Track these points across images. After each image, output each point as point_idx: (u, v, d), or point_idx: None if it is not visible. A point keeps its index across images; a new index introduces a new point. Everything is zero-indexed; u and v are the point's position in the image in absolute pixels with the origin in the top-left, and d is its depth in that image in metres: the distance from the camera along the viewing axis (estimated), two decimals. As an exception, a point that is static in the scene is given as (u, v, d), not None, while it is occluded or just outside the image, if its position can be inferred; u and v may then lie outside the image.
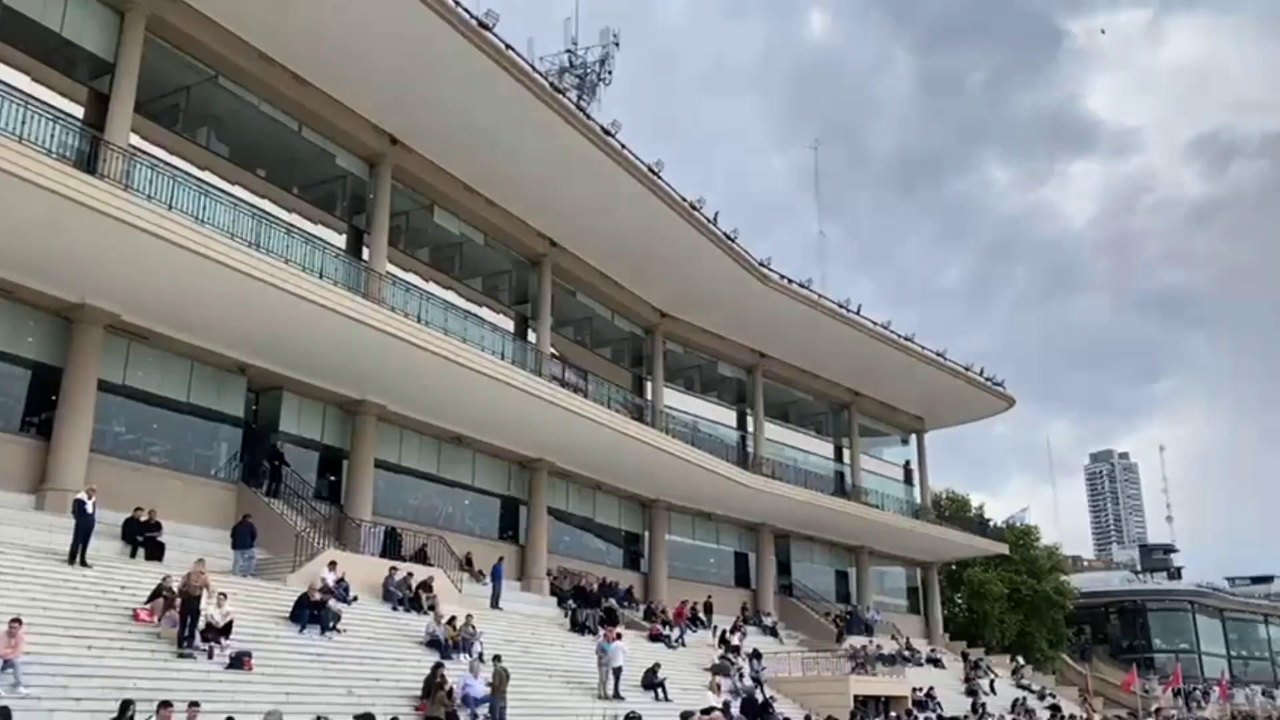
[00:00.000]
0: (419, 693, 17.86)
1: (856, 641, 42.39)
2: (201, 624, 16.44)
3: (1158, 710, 49.43)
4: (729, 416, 48.36)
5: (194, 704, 12.68)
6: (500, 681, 18.23)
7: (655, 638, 32.66)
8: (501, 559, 30.68)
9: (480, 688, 18.40)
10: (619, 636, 25.68)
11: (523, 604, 31.37)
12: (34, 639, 13.65)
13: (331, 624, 19.46)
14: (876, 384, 52.17)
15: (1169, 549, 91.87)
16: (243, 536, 23.15)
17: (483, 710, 18.18)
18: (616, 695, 23.74)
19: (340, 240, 30.28)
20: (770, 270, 41.16)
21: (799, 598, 48.20)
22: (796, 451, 50.53)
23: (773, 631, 43.02)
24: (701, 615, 40.40)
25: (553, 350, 37.55)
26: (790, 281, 42.46)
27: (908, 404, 55.54)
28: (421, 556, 28.44)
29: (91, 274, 21.40)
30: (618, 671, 24.04)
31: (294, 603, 19.26)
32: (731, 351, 46.78)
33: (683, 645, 34.13)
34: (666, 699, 25.07)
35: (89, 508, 17.63)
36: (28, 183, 18.05)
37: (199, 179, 25.50)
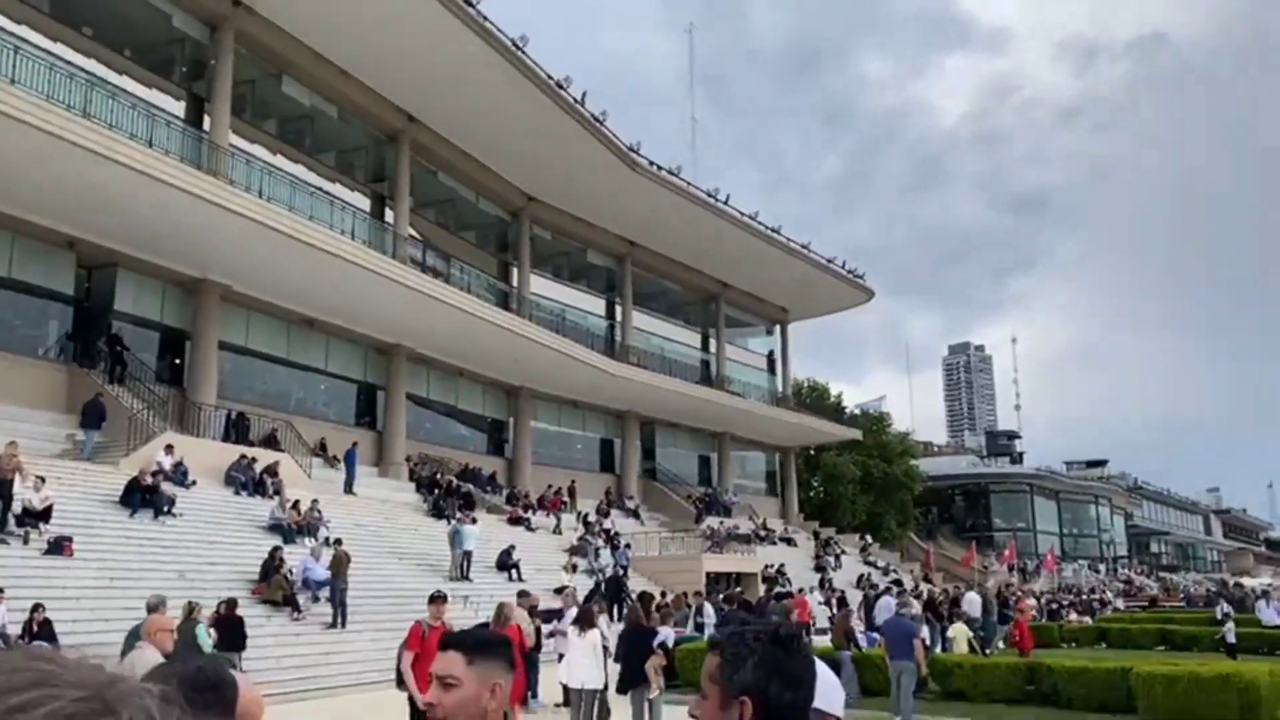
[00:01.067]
0: (256, 576, 17.53)
1: (714, 522, 43.85)
2: (18, 508, 15.64)
3: (1007, 585, 52.80)
4: (598, 305, 48.29)
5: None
6: (339, 565, 18.02)
7: (515, 521, 32.92)
8: (355, 444, 30.17)
9: (321, 571, 18.19)
10: (474, 521, 25.74)
11: (380, 489, 31.08)
12: None
13: (165, 508, 18.80)
14: (744, 275, 52.70)
15: (1013, 435, 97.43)
16: (91, 416, 22.07)
17: (324, 593, 18.02)
18: (465, 577, 23.90)
19: (179, 109, 28.40)
20: (640, 156, 40.65)
21: (662, 482, 49.29)
22: (664, 341, 50.97)
23: (635, 514, 43.96)
24: (565, 499, 40.93)
25: (413, 232, 36.54)
26: (660, 169, 42.09)
27: (773, 295, 56.42)
28: (271, 441, 27.73)
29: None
30: (468, 554, 24.15)
31: (124, 487, 18.49)
32: (601, 239, 46.40)
33: (558, 534, 34.48)
34: (520, 579, 25.36)
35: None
36: None
37: (16, 35, 23.32)
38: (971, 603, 22.97)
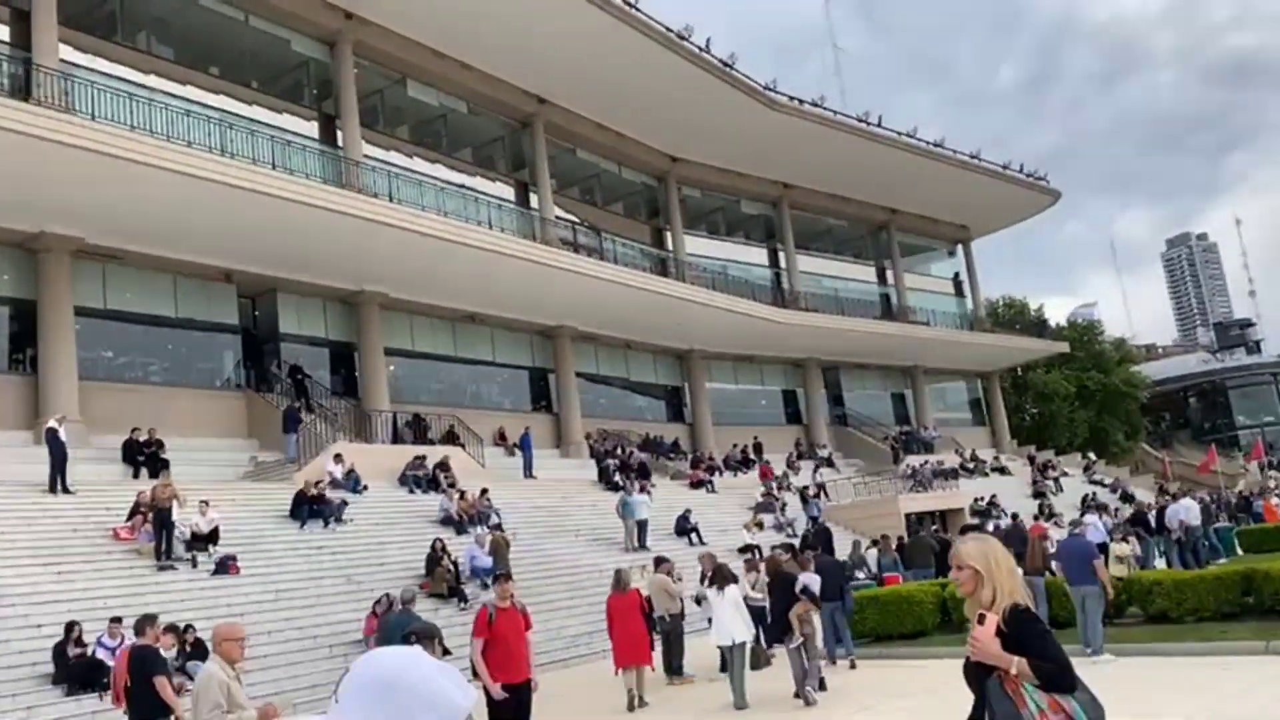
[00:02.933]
0: (424, 571, 17.71)
1: (915, 461, 41.91)
2: (186, 534, 16.34)
3: (1260, 488, 48.00)
4: (760, 255, 47.06)
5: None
6: (498, 550, 18.00)
7: (696, 484, 32.38)
8: (527, 429, 30.38)
9: (485, 558, 18.19)
10: (642, 490, 25.35)
11: (560, 470, 31.29)
12: (3, 570, 13.61)
13: (334, 516, 19.32)
14: (912, 198, 50.03)
15: (1246, 324, 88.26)
16: (290, 423, 23.50)
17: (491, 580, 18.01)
18: (642, 546, 23.51)
19: (313, 129, 29.27)
20: (777, 93, 39.08)
21: (854, 426, 47.57)
22: (835, 280, 49.11)
23: (829, 462, 42.58)
24: (752, 456, 40.12)
25: (560, 213, 36.50)
26: (801, 103, 40.34)
27: (948, 214, 53.31)
28: (451, 438, 28.35)
29: (45, 201, 20.79)
30: (642, 524, 23.76)
31: (293, 499, 19.10)
32: (752, 187, 45.09)
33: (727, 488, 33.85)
34: (701, 543, 24.78)
35: (61, 435, 17.48)
36: None
37: (147, 87, 24.53)
38: (1188, 510, 20.53)
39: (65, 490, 17.16)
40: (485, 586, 18.02)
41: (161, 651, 9.35)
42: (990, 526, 32.96)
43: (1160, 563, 21.88)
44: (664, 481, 33.38)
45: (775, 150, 41.81)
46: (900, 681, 11.57)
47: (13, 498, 16.30)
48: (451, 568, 17.77)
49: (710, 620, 12.26)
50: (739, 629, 11.37)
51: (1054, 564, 12.49)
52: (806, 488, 33.56)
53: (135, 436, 20.77)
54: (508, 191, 35.50)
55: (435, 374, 31.81)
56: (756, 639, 12.28)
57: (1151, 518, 22.82)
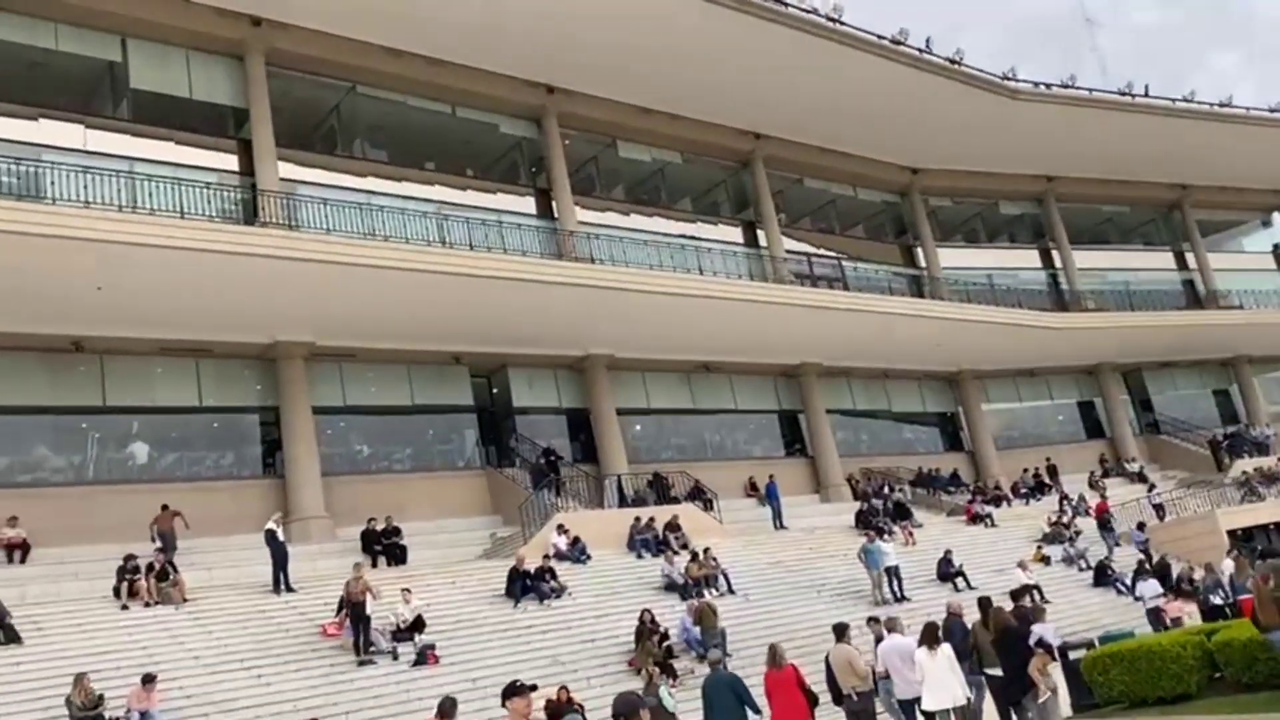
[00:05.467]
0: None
1: (1246, 466, 36.10)
2: (392, 625, 16.34)
3: None
4: (1030, 258, 42.98)
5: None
6: (704, 616, 16.62)
7: (973, 519, 29.34)
8: (772, 477, 28.85)
9: (696, 629, 16.88)
10: (880, 534, 23.10)
11: (818, 517, 29.42)
12: (204, 678, 14.05)
13: (551, 592, 18.80)
14: (1206, 169, 43.97)
15: None
16: (538, 476, 24.04)
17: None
18: (900, 597, 21.25)
19: (530, 205, 29.80)
20: (1018, 82, 35.66)
21: (1168, 433, 41.89)
22: (1124, 273, 43.88)
23: (1140, 477, 37.61)
24: (1046, 479, 36.19)
25: (796, 246, 35.06)
26: (1047, 87, 36.61)
27: (1255, 179, 46.31)
28: (696, 494, 27.43)
29: (277, 312, 22.21)
30: (891, 570, 21.50)
31: (507, 577, 18.78)
32: (1010, 186, 41.46)
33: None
34: (970, 587, 22.10)
35: (279, 535, 18.18)
36: (197, 251, 18.79)
37: (365, 190, 25.87)
38: None
39: (289, 589, 17.79)
40: (701, 659, 16.77)
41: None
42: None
43: None
44: (938, 519, 30.65)
45: (1028, 143, 38.14)
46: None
47: (235, 600, 17.06)
48: (661, 641, 16.61)
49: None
50: (954, 691, 10.48)
51: None
52: (1096, 508, 29.41)
53: (372, 525, 21.42)
54: (735, 234, 34.52)
55: (675, 430, 31.14)
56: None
57: None
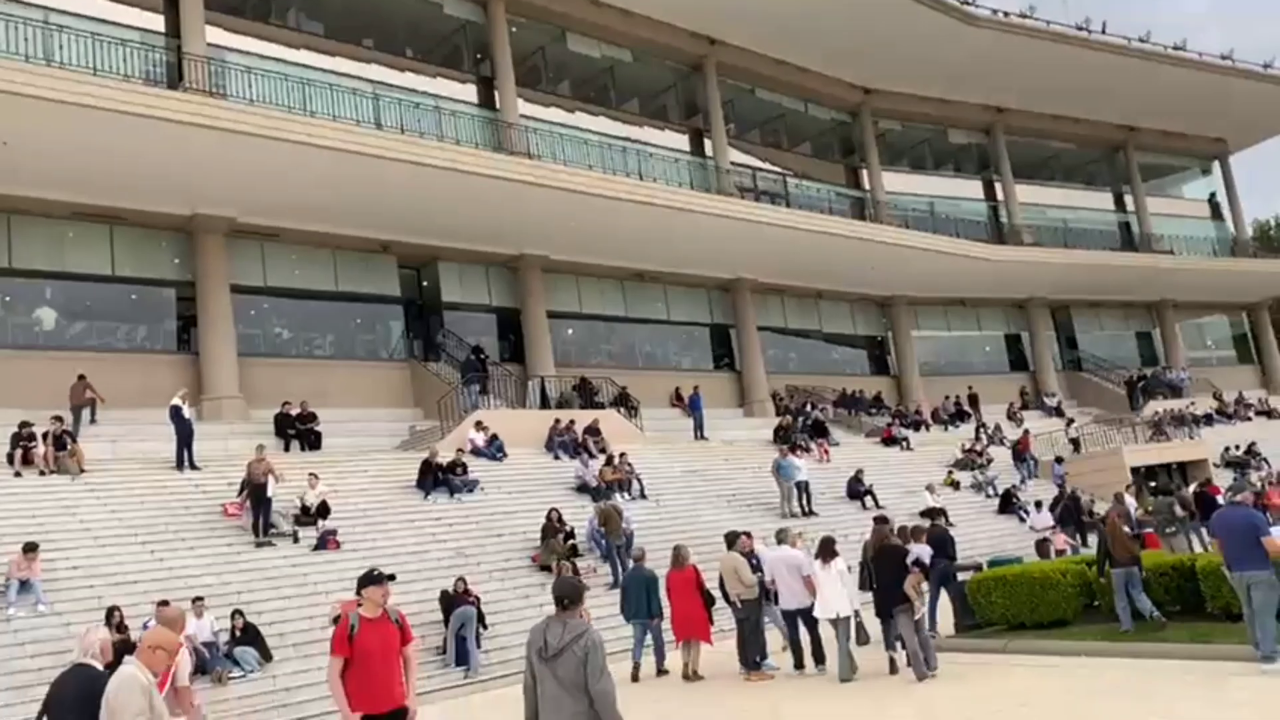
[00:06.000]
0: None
1: (1159, 406, 37.16)
2: (296, 509, 16.21)
3: None
4: (973, 189, 43.06)
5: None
6: (608, 520, 16.75)
7: (889, 441, 29.87)
8: (696, 388, 28.97)
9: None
10: (794, 450, 23.45)
11: (741, 431, 29.68)
12: (93, 551, 13.82)
13: (463, 486, 18.77)
14: (1153, 113, 44.24)
15: None
16: (470, 375, 23.89)
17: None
18: (808, 511, 21.64)
19: (472, 93, 28.90)
20: (975, 7, 35.24)
21: (1090, 371, 42.87)
22: (1064, 211, 44.33)
23: (1058, 411, 38.54)
24: (966, 408, 36.91)
25: (743, 159, 34.64)
26: (1005, 15, 36.22)
27: (1199, 127, 46.81)
28: (623, 401, 27.46)
29: (198, 184, 21.38)
30: (801, 486, 21.85)
31: (418, 470, 18.69)
32: (961, 115, 41.22)
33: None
34: (877, 506, 22.55)
35: (185, 412, 17.80)
36: (113, 112, 17.92)
37: (298, 64, 24.83)
38: None
39: (192, 466, 17.50)
40: (604, 559, 16.96)
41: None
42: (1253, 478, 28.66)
43: None
44: (857, 440, 31.16)
45: (983, 71, 37.92)
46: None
47: (136, 475, 16.75)
48: (566, 539, 16.73)
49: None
50: (843, 603, 10.99)
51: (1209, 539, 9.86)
52: (1018, 443, 30.14)
53: (287, 410, 21.10)
54: (681, 141, 33.95)
55: (606, 336, 30.99)
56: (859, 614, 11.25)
57: None
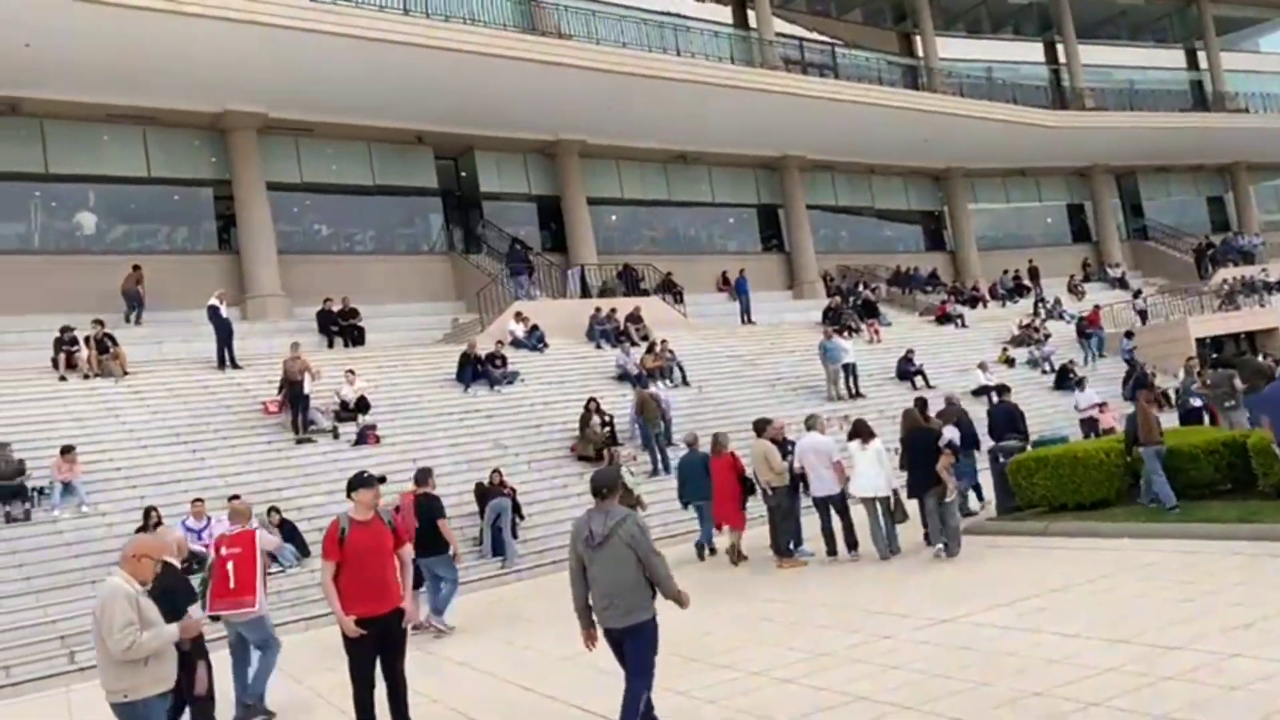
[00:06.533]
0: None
1: (1228, 274, 35.71)
2: (335, 405, 16.29)
3: None
4: (1035, 52, 40.95)
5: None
6: (645, 406, 16.57)
7: (943, 319, 29.16)
8: (742, 271, 28.45)
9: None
10: (838, 333, 22.96)
11: (791, 313, 29.21)
12: (135, 452, 14.06)
13: (503, 378, 18.70)
14: (1232, -44, 41.33)
15: None
16: (518, 264, 23.61)
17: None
18: (856, 394, 21.28)
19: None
20: None
21: (1156, 240, 41.25)
22: (1132, 71, 41.95)
23: (1121, 283, 37.29)
24: (1026, 282, 35.85)
25: (789, 29, 33.20)
26: None
27: (1284, -27, 43.66)
28: (667, 287, 27.12)
29: (226, 81, 21.00)
30: (849, 368, 21.43)
31: (458, 363, 18.64)
32: (1021, -29, 38.89)
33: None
34: (929, 386, 22.10)
35: (222, 311, 17.86)
36: (140, 9, 17.52)
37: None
38: None
39: (234, 365, 17.64)
40: (645, 448, 16.87)
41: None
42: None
43: None
44: (910, 319, 30.50)
45: (1044, -76, 35.60)
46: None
47: (177, 376, 16.94)
48: (604, 428, 16.64)
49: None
50: (880, 483, 10.96)
51: (1261, 418, 9.33)
52: (1085, 318, 29.14)
53: (328, 306, 21.14)
54: (724, 14, 32.57)
55: (649, 221, 30.45)
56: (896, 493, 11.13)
57: None
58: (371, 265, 24.21)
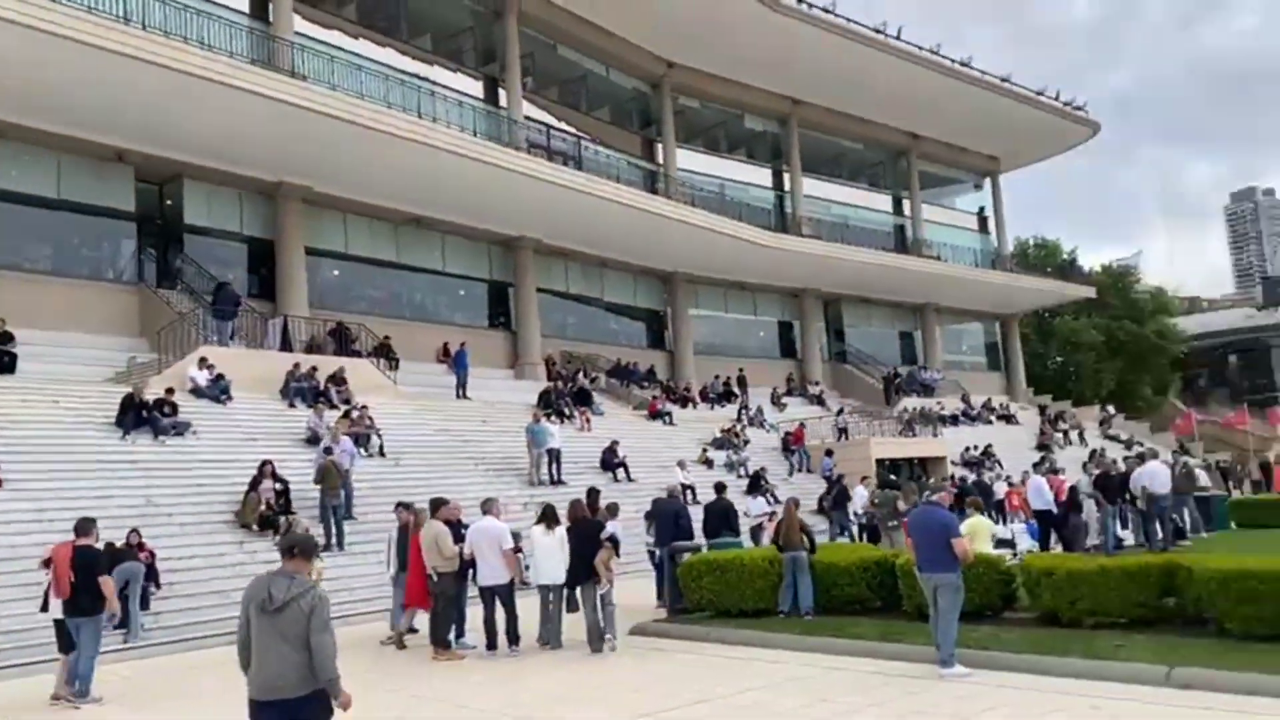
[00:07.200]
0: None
1: (911, 404, 39.01)
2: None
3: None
4: (763, 176, 43.66)
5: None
6: (325, 475, 15.56)
7: (654, 415, 29.78)
8: (463, 344, 27.90)
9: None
10: (547, 417, 22.88)
11: (508, 392, 28.79)
12: None
13: (172, 428, 16.99)
14: (937, 124, 46.24)
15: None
16: (226, 309, 22.07)
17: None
18: (557, 480, 21.07)
19: (244, 3, 26.41)
20: (783, -6, 35.48)
21: (854, 364, 44.57)
22: (846, 208, 45.77)
23: (819, 400, 39.78)
24: (735, 389, 37.44)
25: (538, 115, 33.54)
26: (810, 6, 36.67)
27: (976, 143, 49.41)
28: (383, 351, 26.01)
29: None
30: (553, 454, 21.26)
31: (119, 406, 16.76)
32: (758, 101, 41.58)
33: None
34: (629, 479, 22.28)
35: None
36: None
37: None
38: (1154, 476, 17.38)
39: None
40: (320, 519, 15.70)
41: None
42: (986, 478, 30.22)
43: (1127, 536, 19.02)
44: (623, 411, 30.94)
45: (783, 60, 38.33)
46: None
47: None
48: (279, 496, 15.36)
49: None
50: (561, 571, 10.95)
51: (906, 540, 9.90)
52: (791, 434, 30.63)
53: (-26, 327, 18.52)
54: (475, 88, 32.50)
55: (373, 280, 29.34)
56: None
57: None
58: (45, 286, 21.61)
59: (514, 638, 10.60)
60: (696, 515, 14.19)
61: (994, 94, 43.95)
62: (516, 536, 11.70)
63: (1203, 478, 23.79)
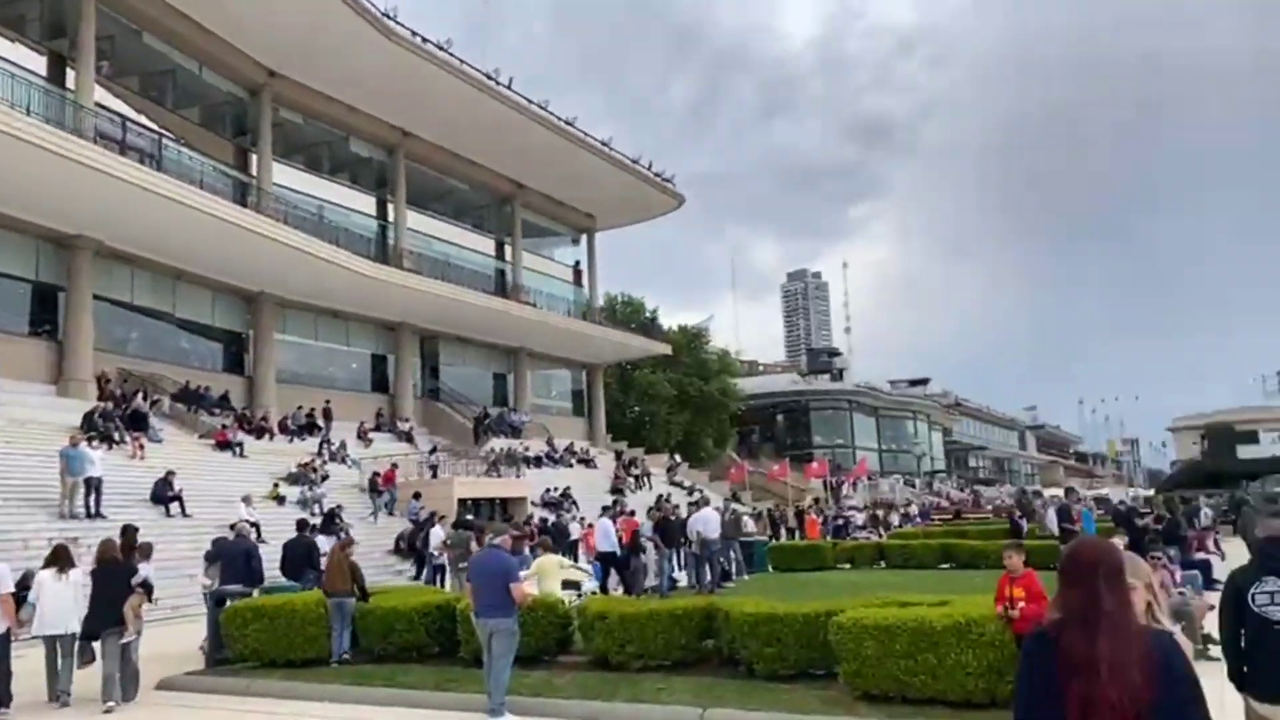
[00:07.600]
0: None
1: (498, 444, 39.52)
2: None
3: (816, 500, 50.48)
4: (367, 204, 42.58)
5: None
6: None
7: (222, 445, 27.56)
8: (-10, 353, 24.15)
9: None
10: (90, 441, 20.48)
11: (48, 411, 25.19)
12: None
13: None
14: (541, 176, 47.85)
15: (833, 352, 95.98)
16: None
17: None
18: (95, 513, 18.67)
19: None
20: (398, 24, 35.02)
21: (447, 402, 44.45)
22: (450, 246, 45.81)
23: (408, 437, 39.10)
24: (319, 421, 35.74)
25: (115, 105, 30.16)
26: (424, 40, 36.51)
27: (576, 200, 51.81)
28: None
29: None
30: (93, 483, 18.89)
31: None
32: (366, 127, 40.56)
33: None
34: (184, 515, 20.27)
35: None
36: None
37: None
38: (706, 522, 19.11)
39: None
40: None
41: None
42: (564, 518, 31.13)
43: (682, 577, 20.49)
44: (188, 439, 28.31)
45: (394, 90, 37.79)
46: None
47: None
48: None
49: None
50: (73, 620, 9.82)
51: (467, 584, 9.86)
52: (381, 475, 29.55)
53: None
54: (38, 64, 28.64)
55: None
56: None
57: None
58: None
59: (5, 697, 9.04)
60: (267, 555, 13.12)
61: (595, 156, 46.40)
62: (28, 576, 10.15)
63: (749, 524, 26.34)
